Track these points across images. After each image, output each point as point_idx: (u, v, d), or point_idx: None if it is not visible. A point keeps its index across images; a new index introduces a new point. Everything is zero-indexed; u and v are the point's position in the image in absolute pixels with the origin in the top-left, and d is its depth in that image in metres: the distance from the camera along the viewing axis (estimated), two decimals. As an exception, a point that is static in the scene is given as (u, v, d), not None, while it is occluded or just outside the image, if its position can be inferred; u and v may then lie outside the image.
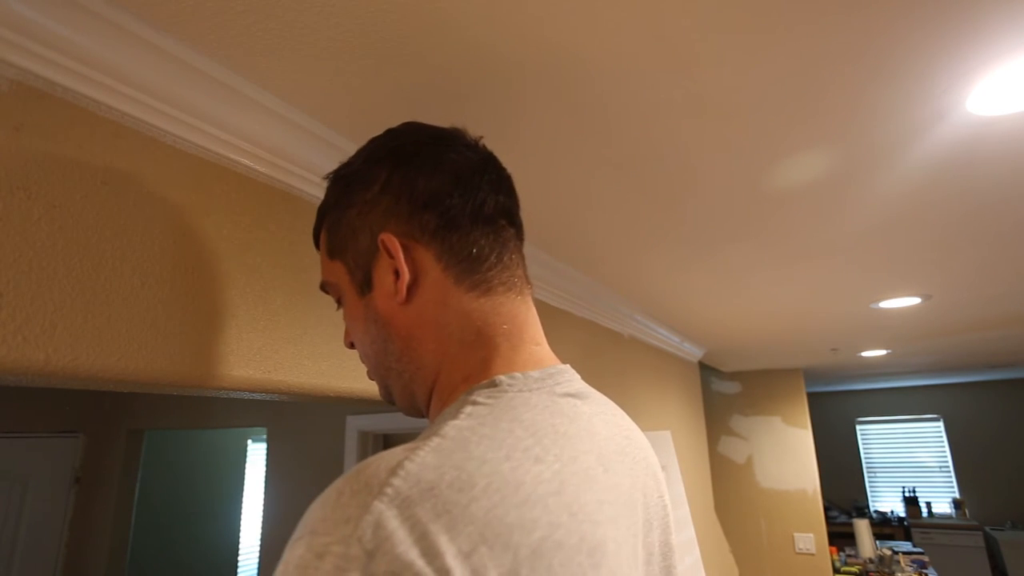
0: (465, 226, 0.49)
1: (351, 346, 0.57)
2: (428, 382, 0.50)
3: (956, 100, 0.79)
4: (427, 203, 0.49)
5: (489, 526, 0.33)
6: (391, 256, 0.48)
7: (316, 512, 0.33)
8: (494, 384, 0.44)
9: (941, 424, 6.04)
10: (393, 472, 0.33)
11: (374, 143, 0.54)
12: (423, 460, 0.34)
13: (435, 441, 0.36)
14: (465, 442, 0.37)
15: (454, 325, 0.48)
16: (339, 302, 0.56)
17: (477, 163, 0.52)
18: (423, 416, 0.54)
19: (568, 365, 0.52)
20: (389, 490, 0.32)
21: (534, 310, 0.53)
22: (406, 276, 0.48)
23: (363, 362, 0.56)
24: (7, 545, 2.66)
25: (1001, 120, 0.85)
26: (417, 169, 0.50)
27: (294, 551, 0.32)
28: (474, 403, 0.42)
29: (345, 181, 0.53)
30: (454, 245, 0.48)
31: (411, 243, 0.49)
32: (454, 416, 0.40)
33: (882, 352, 3.42)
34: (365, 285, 0.51)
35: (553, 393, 0.46)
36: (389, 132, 0.55)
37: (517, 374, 0.45)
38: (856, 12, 0.62)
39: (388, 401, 0.56)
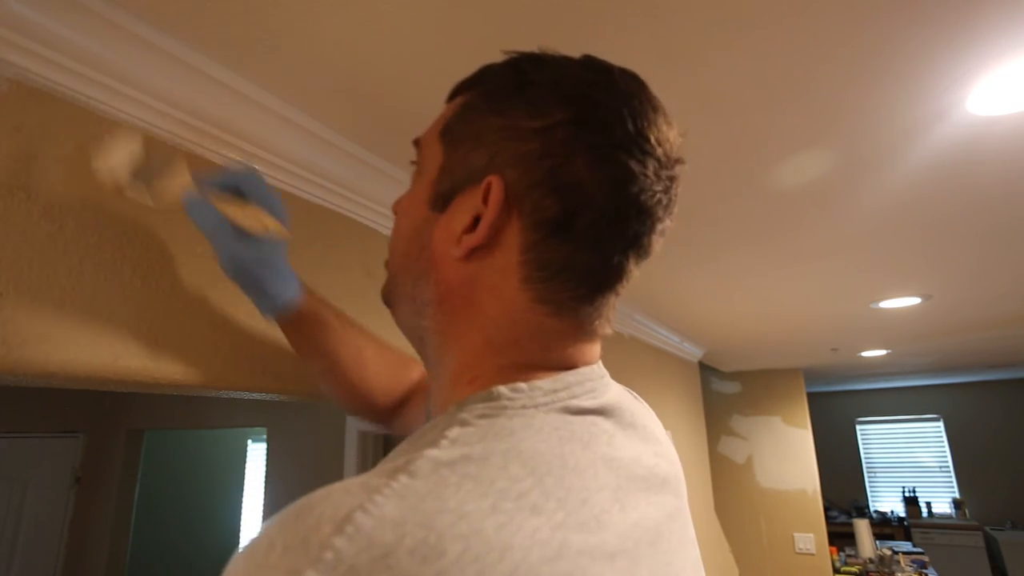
0: (583, 245, 0.38)
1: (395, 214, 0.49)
2: (441, 353, 0.43)
3: (956, 100, 0.79)
4: (562, 188, 0.38)
5: None
6: (484, 203, 0.39)
7: (240, 564, 0.27)
8: (491, 397, 0.36)
9: (941, 424, 6.03)
10: (339, 528, 0.26)
11: (575, 71, 0.41)
12: (382, 511, 0.27)
13: (402, 481, 0.29)
14: (441, 486, 0.29)
15: (491, 318, 0.40)
16: (416, 166, 0.47)
17: (662, 201, 0.40)
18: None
19: (597, 366, 0.43)
20: (329, 555, 0.25)
21: (593, 350, 0.44)
22: (481, 238, 0.39)
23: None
24: (7, 545, 2.66)
25: (1001, 120, 0.85)
26: (588, 149, 0.38)
27: None
28: (463, 423, 0.34)
29: (519, 83, 0.41)
30: (553, 252, 0.38)
31: (513, 210, 0.39)
32: (435, 442, 0.32)
33: (882, 352, 3.42)
34: (440, 200, 0.42)
35: (566, 410, 0.38)
36: (598, 71, 0.41)
37: (521, 385, 0.37)
38: (857, 13, 0.62)
39: (386, 303, 0.49)
